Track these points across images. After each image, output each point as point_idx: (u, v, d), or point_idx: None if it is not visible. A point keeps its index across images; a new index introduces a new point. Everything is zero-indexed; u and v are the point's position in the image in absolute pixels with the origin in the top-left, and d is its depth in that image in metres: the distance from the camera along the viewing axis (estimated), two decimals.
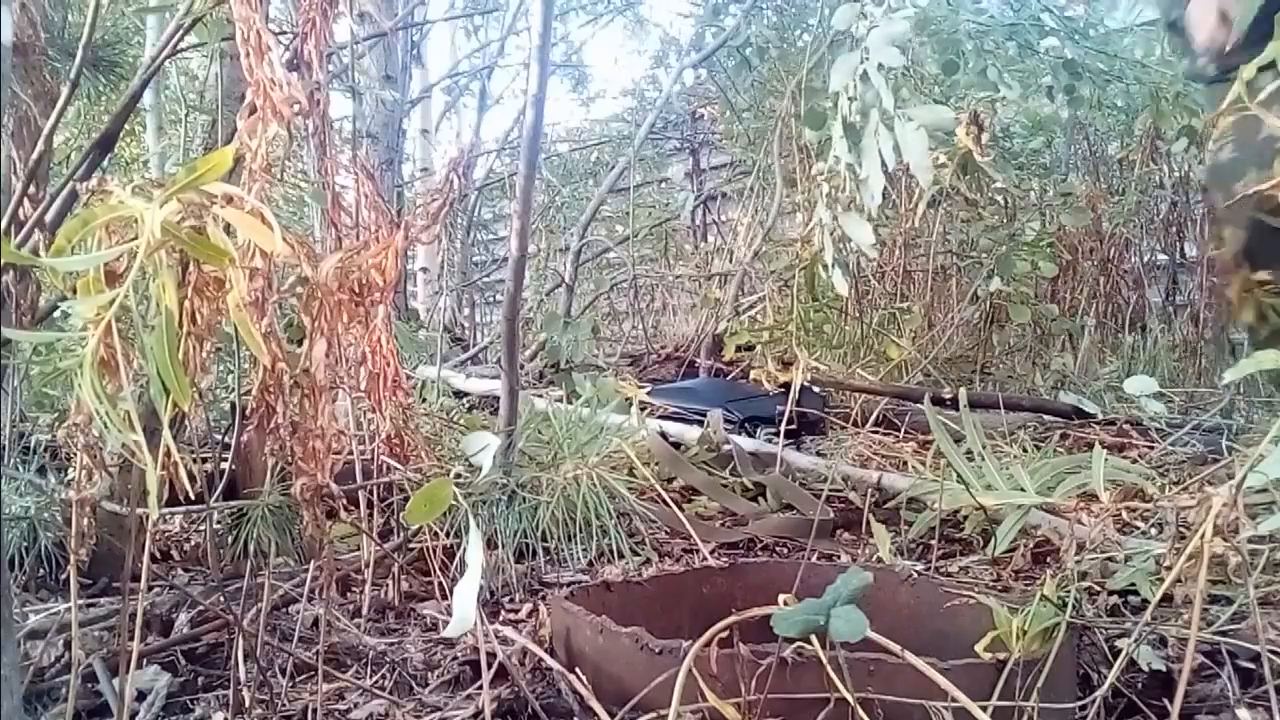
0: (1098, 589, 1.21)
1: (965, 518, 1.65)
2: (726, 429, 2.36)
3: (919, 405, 2.36)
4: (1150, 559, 1.20)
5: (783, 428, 2.16)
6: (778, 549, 1.76)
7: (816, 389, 2.64)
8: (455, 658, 1.17)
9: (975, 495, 1.55)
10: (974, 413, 2.38)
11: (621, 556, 1.56)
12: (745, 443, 2.26)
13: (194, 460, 1.59)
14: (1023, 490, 1.57)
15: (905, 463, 2.08)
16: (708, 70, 4.59)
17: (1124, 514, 1.32)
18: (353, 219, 1.32)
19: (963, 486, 1.56)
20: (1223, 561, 1.01)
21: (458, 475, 1.48)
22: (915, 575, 1.26)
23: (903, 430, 2.47)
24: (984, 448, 1.70)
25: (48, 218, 1.38)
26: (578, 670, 1.03)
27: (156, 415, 0.69)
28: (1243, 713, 0.88)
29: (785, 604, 0.84)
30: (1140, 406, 2.32)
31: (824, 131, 2.38)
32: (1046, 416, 2.52)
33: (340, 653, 1.20)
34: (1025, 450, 2.01)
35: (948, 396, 2.09)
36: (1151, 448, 2.03)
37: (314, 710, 1.01)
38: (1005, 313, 3.16)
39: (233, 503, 1.39)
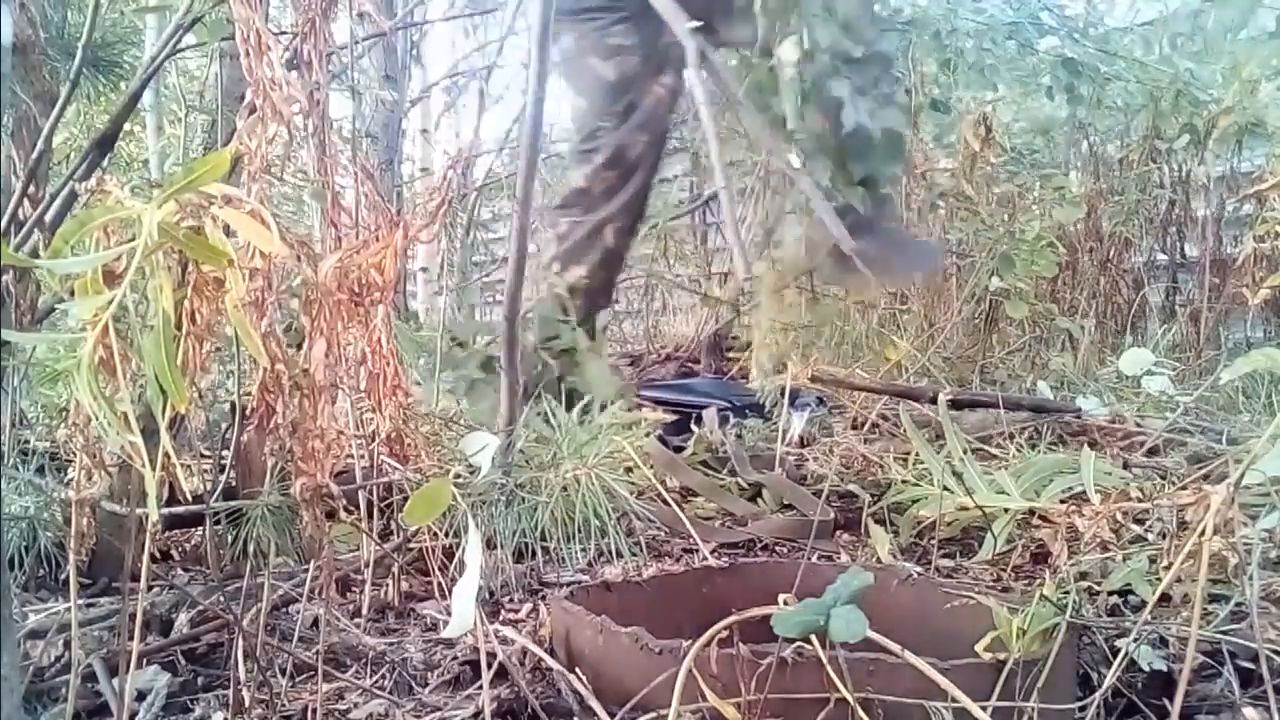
0: (1097, 589, 1.21)
1: (950, 522, 1.66)
2: (724, 413, 2.38)
3: (917, 404, 2.36)
4: (1144, 559, 1.20)
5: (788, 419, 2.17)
6: (777, 549, 1.76)
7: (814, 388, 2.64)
8: (455, 658, 1.17)
9: (957, 499, 1.57)
10: (975, 412, 2.38)
11: (620, 556, 1.56)
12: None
13: (194, 460, 1.59)
14: (1006, 494, 1.57)
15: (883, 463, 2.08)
16: (707, 70, 4.59)
17: (1117, 515, 1.32)
18: (352, 219, 1.31)
19: (945, 491, 1.57)
20: (1222, 560, 1.02)
21: (457, 475, 1.48)
22: (915, 575, 1.26)
23: (902, 429, 2.47)
24: (966, 452, 1.70)
25: (47, 218, 1.38)
26: (578, 670, 1.03)
27: (154, 416, 0.69)
28: (1249, 711, 0.88)
29: (785, 604, 0.84)
30: (1142, 404, 2.32)
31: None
32: (1048, 416, 2.51)
33: (340, 653, 1.20)
34: (1020, 450, 2.01)
35: (948, 397, 2.09)
36: (1154, 452, 2.03)
37: (314, 710, 1.01)
38: (1004, 312, 3.16)
39: (233, 503, 1.39)
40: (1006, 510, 1.57)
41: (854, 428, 2.58)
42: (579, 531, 1.54)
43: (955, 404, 2.14)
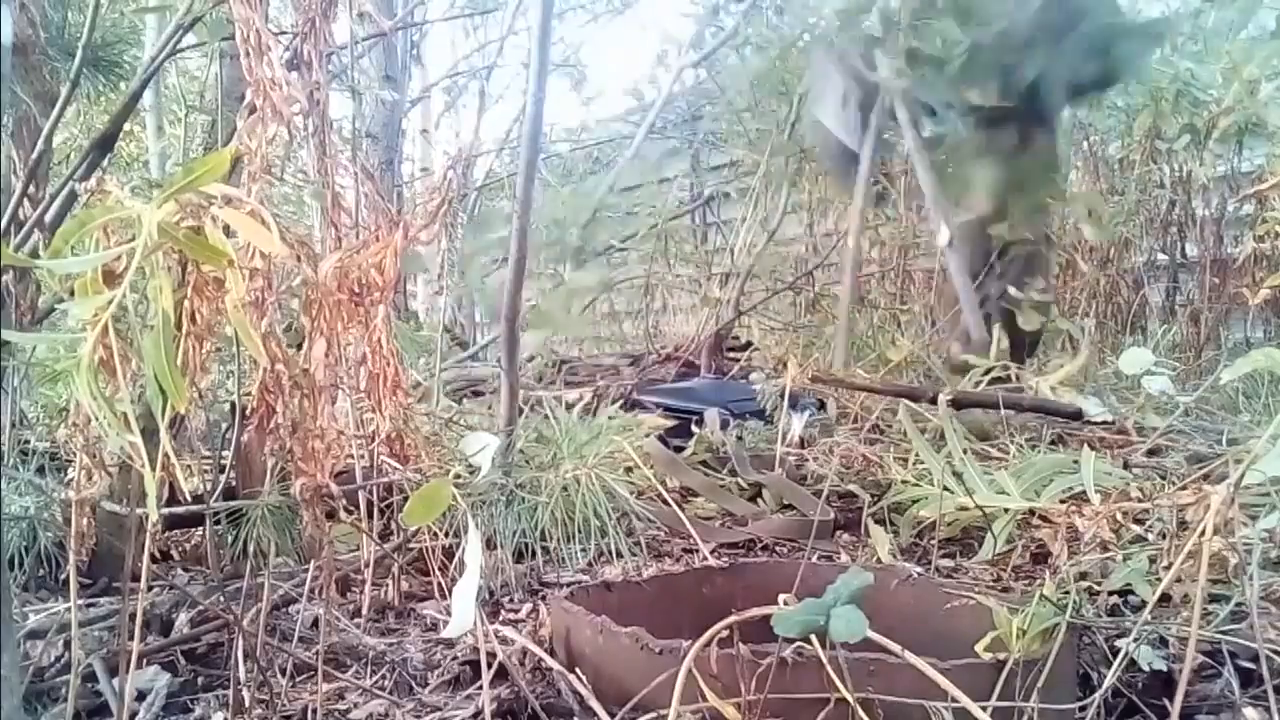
0: (1097, 589, 1.21)
1: (950, 522, 1.66)
2: (724, 415, 2.38)
3: (918, 404, 2.35)
4: (1144, 559, 1.20)
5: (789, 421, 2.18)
6: (778, 549, 1.76)
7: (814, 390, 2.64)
8: (455, 658, 1.17)
9: (957, 499, 1.57)
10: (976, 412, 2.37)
11: (620, 556, 1.56)
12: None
13: (194, 460, 1.59)
14: (1006, 494, 1.57)
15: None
16: (708, 70, 4.59)
17: (1117, 515, 1.32)
18: (352, 219, 1.32)
19: (946, 491, 1.57)
20: (1222, 560, 1.01)
21: (457, 476, 1.48)
22: (915, 575, 1.26)
23: (903, 429, 2.46)
24: (965, 453, 1.70)
25: (47, 218, 1.38)
26: (578, 670, 1.03)
27: (154, 416, 0.69)
28: (1249, 711, 0.88)
29: (785, 604, 0.84)
30: (1142, 404, 2.31)
31: None
32: (1049, 416, 2.50)
33: (340, 653, 1.20)
34: (1021, 450, 2.01)
35: (948, 398, 2.09)
36: (1155, 452, 2.02)
37: (314, 710, 1.01)
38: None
39: (233, 503, 1.39)
40: (1006, 510, 1.57)
41: (854, 428, 2.58)
42: (579, 531, 1.54)
43: (955, 404, 2.14)
